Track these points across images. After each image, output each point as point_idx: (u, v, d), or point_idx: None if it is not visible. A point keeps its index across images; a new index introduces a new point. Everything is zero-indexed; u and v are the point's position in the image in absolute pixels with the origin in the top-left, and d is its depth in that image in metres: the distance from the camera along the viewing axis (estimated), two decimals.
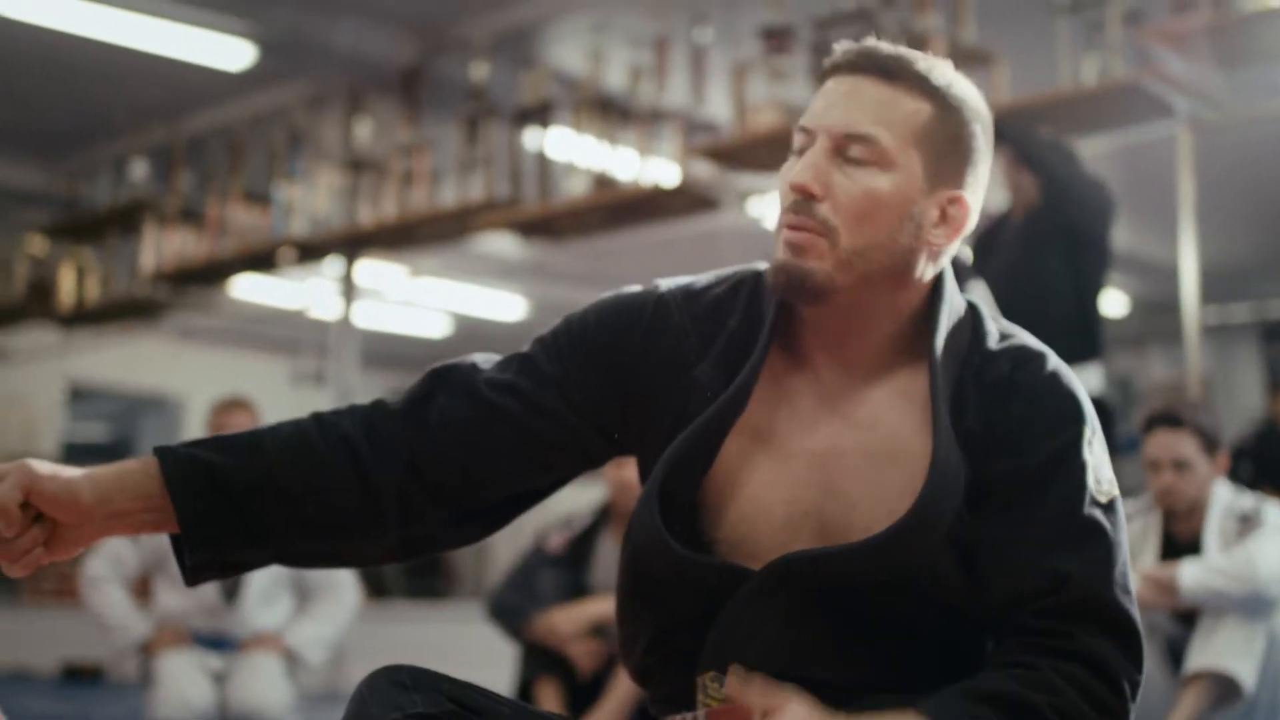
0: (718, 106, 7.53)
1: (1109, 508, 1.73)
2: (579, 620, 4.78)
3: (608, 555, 4.90)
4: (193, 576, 1.82)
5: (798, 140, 1.78)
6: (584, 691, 4.76)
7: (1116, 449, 6.32)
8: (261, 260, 9.56)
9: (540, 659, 4.83)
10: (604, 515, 5.00)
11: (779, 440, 1.79)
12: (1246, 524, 4.33)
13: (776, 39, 6.84)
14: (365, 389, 9.81)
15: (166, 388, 14.22)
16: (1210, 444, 4.44)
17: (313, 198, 9.11)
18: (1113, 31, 6.05)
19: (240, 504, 1.78)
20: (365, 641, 7.62)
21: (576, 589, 4.89)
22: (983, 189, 1.82)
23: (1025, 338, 1.82)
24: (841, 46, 1.80)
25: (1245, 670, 4.11)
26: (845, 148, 1.73)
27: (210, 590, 5.46)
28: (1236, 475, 5.84)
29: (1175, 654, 4.36)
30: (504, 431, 1.83)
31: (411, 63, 8.57)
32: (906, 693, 1.69)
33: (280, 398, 11.77)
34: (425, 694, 1.74)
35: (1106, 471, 1.75)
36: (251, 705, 5.50)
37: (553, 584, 4.90)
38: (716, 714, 1.75)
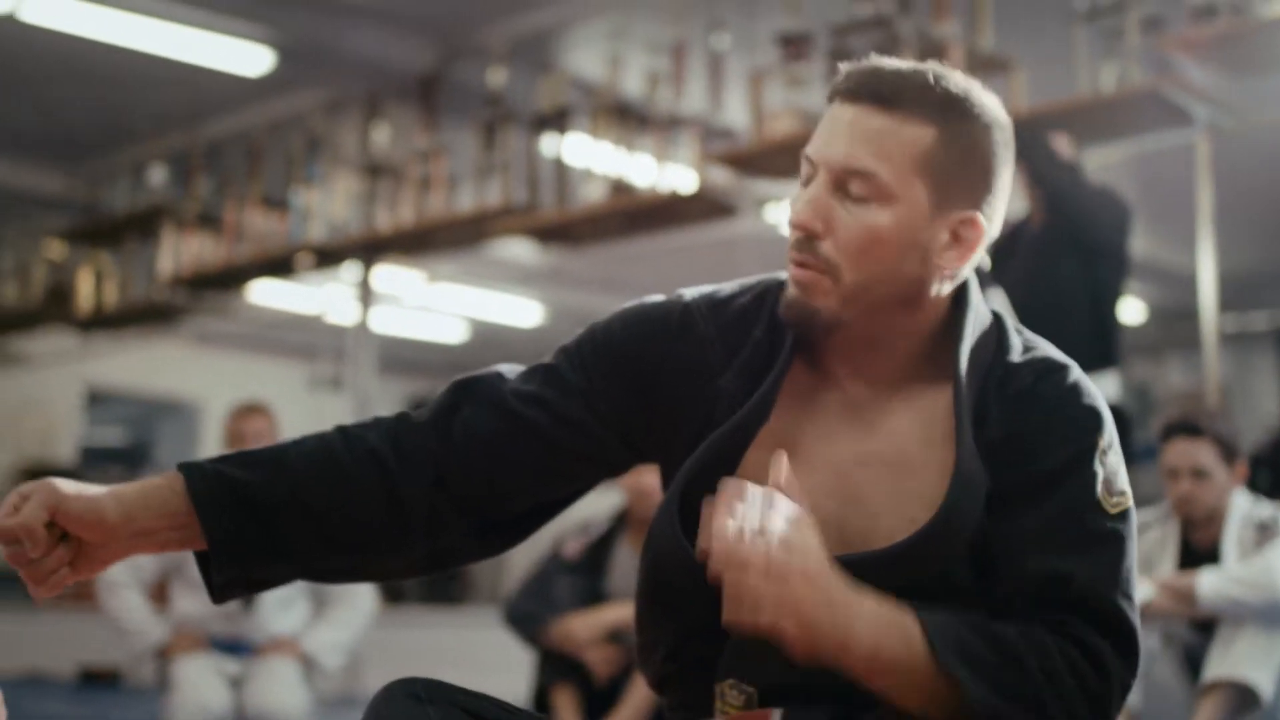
0: (735, 113, 7.53)
1: (1119, 518, 1.72)
2: (595, 626, 4.78)
3: (624, 562, 4.90)
4: (220, 594, 1.81)
5: (803, 169, 1.77)
6: (600, 698, 4.76)
7: (1134, 457, 6.31)
8: (279, 265, 9.58)
9: (557, 665, 4.83)
10: (621, 522, 5.00)
11: (801, 450, 1.78)
12: (1265, 532, 4.33)
13: (794, 46, 6.83)
14: (382, 394, 9.84)
15: (184, 392, 14.25)
16: (1228, 452, 4.43)
17: (330, 203, 9.12)
18: (1131, 39, 6.03)
19: (268, 521, 1.77)
20: (382, 647, 7.62)
21: (593, 595, 4.89)
22: (1004, 200, 1.80)
23: (1049, 349, 1.81)
24: (845, 69, 1.78)
25: (1264, 679, 4.10)
26: (845, 182, 1.71)
27: None
28: (1255, 484, 5.83)
29: (1193, 663, 4.36)
30: (531, 443, 1.83)
31: (429, 69, 8.58)
32: None
33: (297, 403, 11.81)
34: (439, 706, 1.74)
35: (1120, 484, 1.74)
36: (268, 710, 5.51)
37: (569, 590, 4.90)
38: None
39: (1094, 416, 1.75)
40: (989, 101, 1.77)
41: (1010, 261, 5.02)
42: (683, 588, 1.81)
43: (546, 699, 4.87)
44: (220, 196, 9.89)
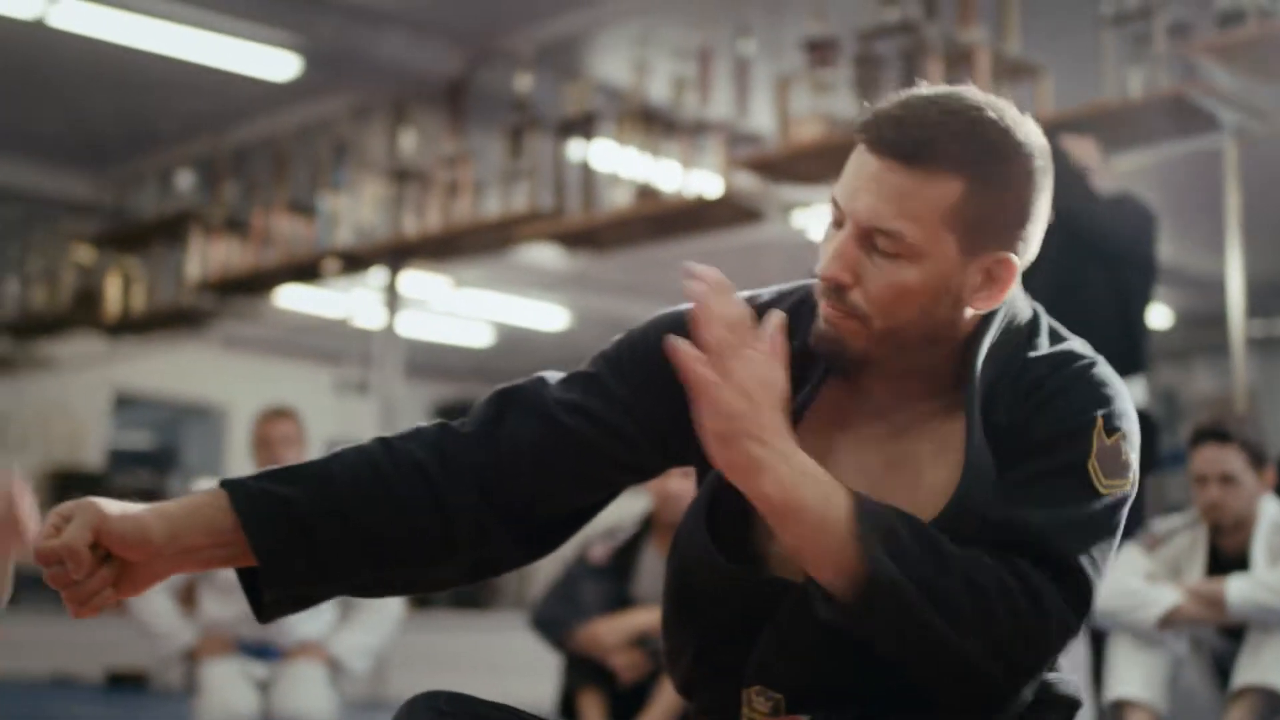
0: (761, 118, 7.53)
1: (1109, 501, 1.69)
2: (622, 631, 4.78)
3: (651, 566, 4.90)
4: (269, 614, 1.79)
5: (832, 210, 1.74)
6: (627, 702, 4.76)
7: (1160, 463, 6.27)
8: (306, 270, 9.60)
9: (583, 670, 4.84)
10: (648, 526, 5.00)
11: (834, 457, 1.78)
12: None
13: (820, 51, 6.83)
14: (409, 399, 9.86)
15: (211, 396, 14.29)
16: (1257, 458, 4.42)
17: (357, 208, 9.14)
18: (1158, 44, 6.01)
19: (317, 540, 1.75)
20: (408, 651, 7.63)
21: (619, 600, 4.89)
22: (1040, 227, 1.77)
23: (1075, 345, 1.80)
24: (871, 111, 1.73)
25: None
26: (871, 238, 1.69)
27: None
28: None
29: (1222, 669, 4.35)
30: (575, 452, 1.82)
31: (456, 74, 8.60)
32: (944, 711, 1.69)
33: (324, 407, 11.84)
34: None
35: (1120, 471, 1.71)
36: (295, 713, 5.52)
37: (596, 595, 4.90)
38: None
39: (1099, 398, 1.73)
40: (1023, 132, 1.72)
41: (1036, 268, 5.01)
42: (710, 593, 1.81)
43: (573, 704, 4.87)
44: (247, 202, 9.92)
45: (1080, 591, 1.65)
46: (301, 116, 9.62)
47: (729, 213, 7.64)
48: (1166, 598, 4.28)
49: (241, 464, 11.18)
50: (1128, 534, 4.52)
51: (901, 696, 1.69)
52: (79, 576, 1.68)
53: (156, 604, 5.54)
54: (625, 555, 4.97)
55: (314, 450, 7.19)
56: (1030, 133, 1.73)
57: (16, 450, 12.74)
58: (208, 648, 5.56)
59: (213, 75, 8.89)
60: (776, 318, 1.72)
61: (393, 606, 5.77)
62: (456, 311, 12.86)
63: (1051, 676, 1.77)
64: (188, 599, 5.76)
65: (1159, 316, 11.39)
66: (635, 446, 1.87)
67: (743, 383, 1.64)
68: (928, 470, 1.75)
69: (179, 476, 14.16)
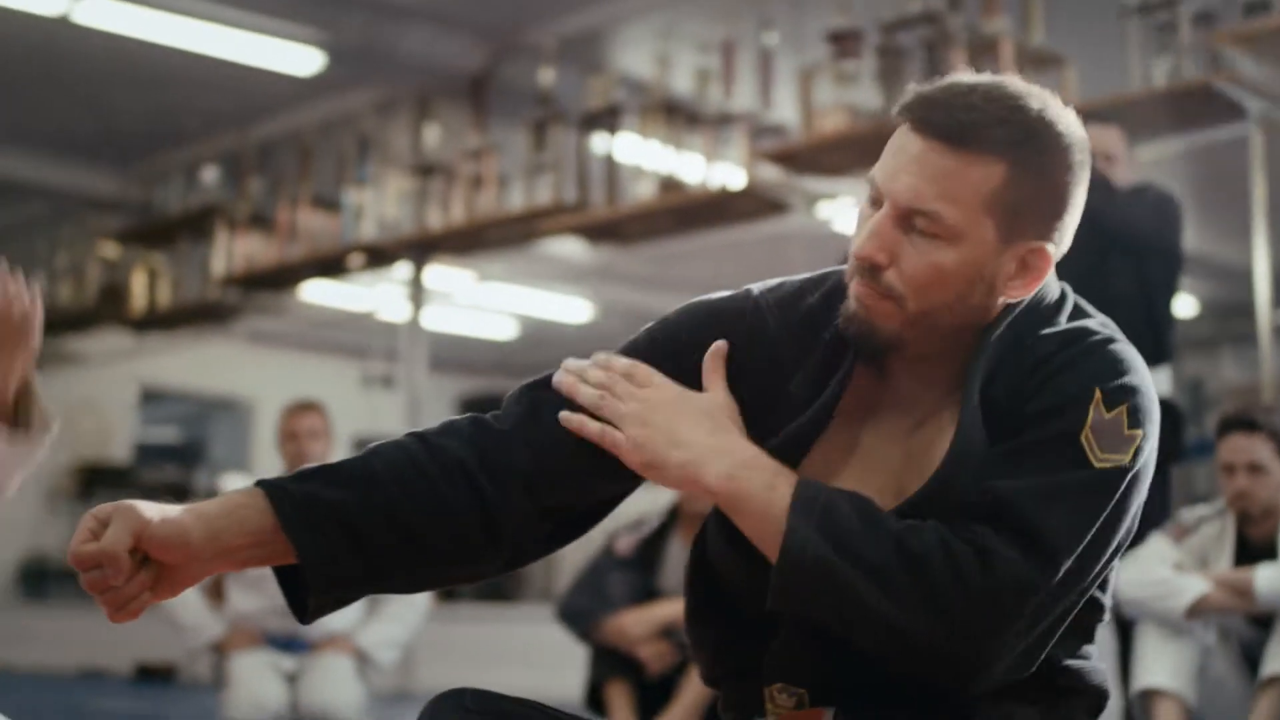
0: (785, 110, 7.52)
1: (1103, 474, 1.65)
2: (649, 622, 4.78)
3: (677, 557, 4.90)
4: (312, 615, 1.79)
5: (870, 189, 1.74)
6: (654, 694, 4.77)
7: (1186, 453, 6.24)
8: (331, 265, 9.63)
9: (610, 661, 4.84)
10: (674, 517, 5.00)
11: (861, 452, 1.79)
12: None
13: (843, 42, 6.82)
14: (434, 392, 9.87)
15: (237, 391, 14.33)
16: None
17: (381, 202, 9.16)
18: (1183, 33, 6.00)
19: (364, 543, 1.73)
20: (435, 643, 7.66)
21: (646, 591, 4.89)
22: (1075, 217, 1.76)
23: (1092, 323, 1.77)
24: (916, 91, 1.72)
25: None
26: (910, 218, 1.68)
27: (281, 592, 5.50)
28: None
29: (1251, 659, 4.34)
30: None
31: (480, 68, 8.61)
32: (967, 700, 1.69)
33: (350, 401, 11.85)
34: (488, 717, 1.75)
35: (1120, 443, 1.66)
36: (323, 705, 5.54)
37: (623, 586, 4.91)
38: None
39: (1102, 372, 1.69)
40: (1065, 123, 1.72)
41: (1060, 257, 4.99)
42: (732, 589, 1.82)
43: (600, 695, 4.88)
44: (272, 197, 9.95)
45: (1041, 558, 1.60)
46: (326, 111, 9.64)
47: (752, 205, 7.64)
48: (1194, 587, 4.28)
49: (268, 458, 11.20)
50: (1155, 525, 4.54)
51: (924, 686, 1.68)
52: (118, 582, 1.67)
53: (185, 597, 5.55)
54: (652, 547, 4.97)
55: (340, 443, 7.21)
56: (1071, 124, 1.73)
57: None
58: (236, 641, 5.58)
59: (237, 71, 8.92)
60: (719, 346, 1.81)
61: (420, 599, 5.78)
62: (481, 305, 12.87)
63: (1080, 665, 1.76)
64: (215, 592, 5.78)
65: (1185, 306, 11.36)
66: None
67: (636, 416, 1.74)
68: (937, 460, 1.73)
69: (206, 471, 14.20)
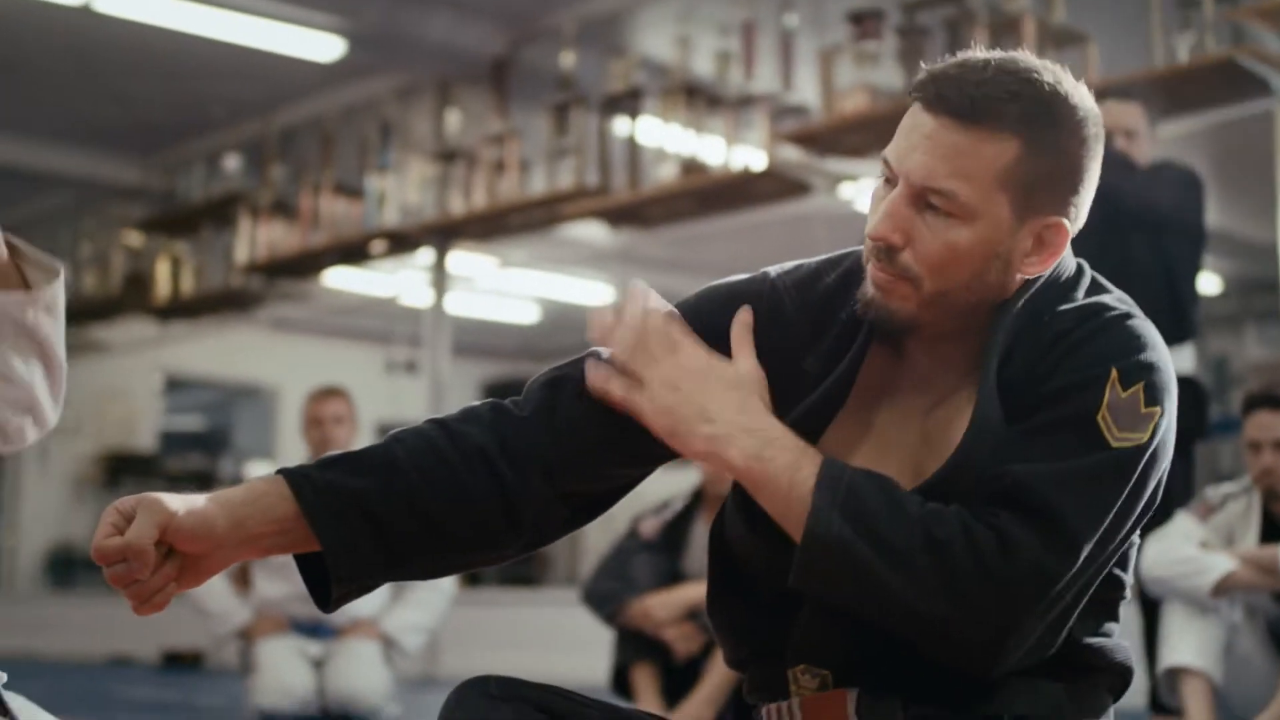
0: (806, 91, 7.51)
1: (1120, 453, 1.64)
2: (674, 605, 4.78)
3: (702, 540, 4.90)
4: (335, 604, 1.78)
5: (883, 168, 1.73)
6: (680, 677, 4.77)
7: (1211, 430, 6.23)
8: (354, 251, 9.65)
9: (636, 644, 4.84)
10: (698, 499, 5.00)
11: (877, 430, 1.78)
12: None
13: (864, 23, 6.81)
14: (457, 377, 9.89)
15: (261, 378, 14.37)
16: None
17: (404, 188, 9.18)
18: (1206, 9, 5.97)
19: (386, 532, 1.73)
20: (460, 628, 7.67)
21: (671, 574, 4.89)
22: (1090, 192, 1.74)
23: (1109, 298, 1.76)
24: (928, 70, 1.71)
25: None
26: (924, 197, 1.67)
27: None
28: None
29: (1277, 636, 4.33)
30: (628, 430, 1.78)
31: (500, 53, 8.61)
32: (991, 680, 1.68)
33: (374, 387, 11.89)
34: (513, 704, 1.74)
35: (1138, 421, 1.65)
36: (349, 691, 5.56)
37: (648, 569, 4.91)
38: (811, 703, 1.76)
39: (1119, 350, 1.68)
40: (1078, 97, 1.70)
41: (1080, 234, 4.97)
42: (753, 571, 1.81)
43: (626, 678, 4.88)
44: (295, 184, 9.97)
45: (1061, 542, 1.60)
46: (348, 98, 9.66)
47: (774, 186, 7.63)
48: (1220, 565, 4.27)
49: (293, 445, 11.24)
50: (1180, 503, 4.53)
51: (947, 667, 1.68)
52: (144, 576, 1.66)
53: (211, 585, 5.58)
54: (676, 529, 4.97)
55: (364, 429, 7.22)
56: (1085, 98, 1.71)
57: (70, 434, 12.85)
58: (262, 627, 5.60)
59: (259, 58, 8.94)
60: (744, 315, 1.80)
61: (445, 584, 5.80)
62: (503, 289, 12.88)
63: (1102, 643, 1.75)
64: (242, 579, 5.81)
65: (1209, 284, 11.31)
66: None
67: (667, 379, 1.72)
68: (955, 440, 1.72)
69: (231, 458, 14.26)
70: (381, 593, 5.78)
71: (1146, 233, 5.02)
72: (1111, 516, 1.64)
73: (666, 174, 7.84)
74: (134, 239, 11.42)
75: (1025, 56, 1.71)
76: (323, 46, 8.73)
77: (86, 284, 11.48)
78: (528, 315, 14.14)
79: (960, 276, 1.69)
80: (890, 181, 1.71)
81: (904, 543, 1.60)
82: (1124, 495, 1.64)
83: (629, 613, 4.83)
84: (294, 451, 10.32)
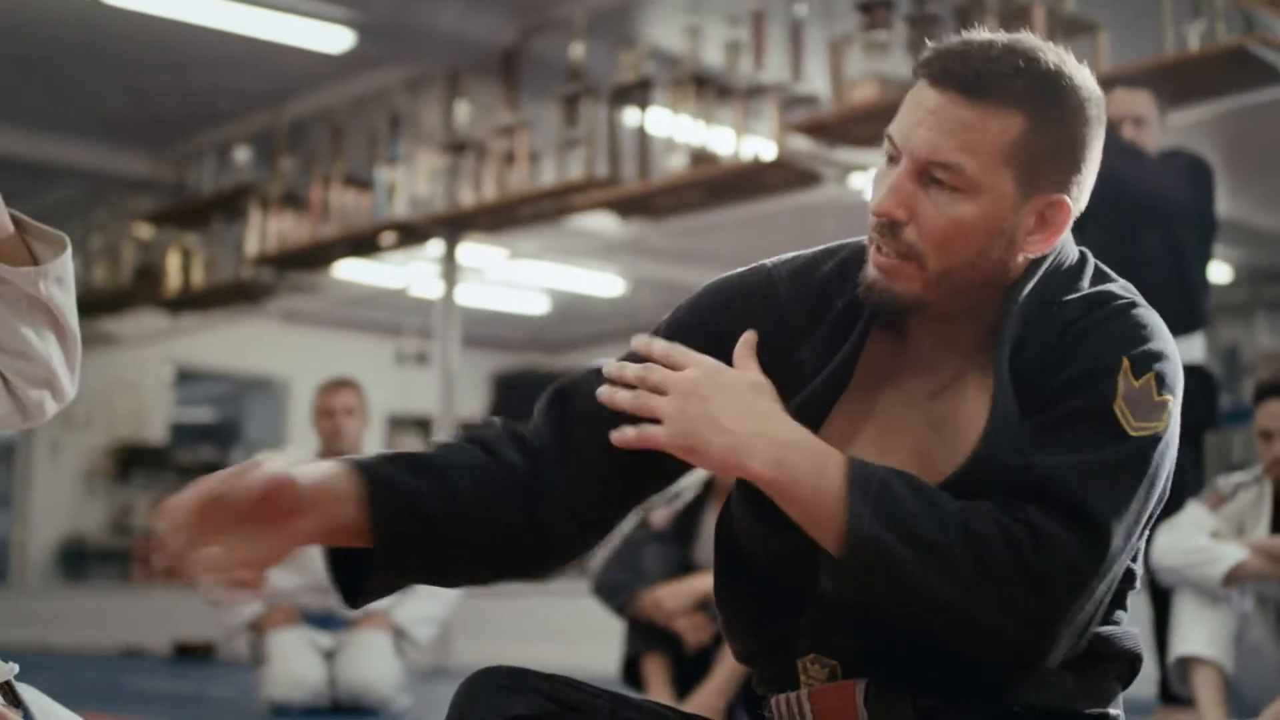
0: (815, 81, 7.49)
1: (1138, 442, 1.64)
2: (685, 595, 4.79)
3: (712, 530, 4.90)
4: (363, 601, 1.80)
5: (887, 146, 1.73)
6: (691, 667, 4.77)
7: (1222, 419, 6.22)
8: (364, 243, 9.65)
9: (646, 635, 4.84)
10: (709, 490, 5.00)
11: (882, 416, 1.78)
12: None
13: (874, 12, 6.80)
14: (467, 368, 9.89)
15: (272, 370, 14.38)
16: None
17: (413, 180, 9.18)
18: None
19: (434, 534, 1.73)
20: (472, 619, 7.68)
21: (682, 564, 4.89)
22: (1093, 173, 1.75)
23: (1115, 287, 1.76)
24: (933, 46, 1.73)
25: None
26: (929, 171, 1.67)
27: (319, 569, 5.52)
28: None
29: None
30: (644, 456, 1.75)
31: (510, 43, 8.61)
32: (999, 670, 1.69)
33: (385, 378, 11.91)
34: (524, 695, 1.74)
35: (1153, 410, 1.66)
36: (361, 682, 5.57)
37: (658, 560, 4.91)
38: (819, 694, 1.76)
39: (1128, 338, 1.68)
40: (1080, 77, 1.71)
41: (1090, 223, 4.96)
42: (760, 562, 1.81)
43: (636, 669, 4.88)
44: (304, 175, 9.97)
45: (1093, 536, 1.60)
46: (357, 89, 9.66)
47: (784, 176, 7.63)
48: (1231, 554, 4.26)
49: (304, 436, 11.25)
50: (1190, 492, 4.52)
51: (956, 658, 1.68)
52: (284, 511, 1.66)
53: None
54: (687, 520, 4.97)
55: (375, 421, 7.21)
56: (1087, 79, 1.72)
57: (81, 426, 12.88)
58: (273, 618, 5.61)
59: (268, 50, 8.94)
60: (749, 336, 1.76)
61: None
62: (513, 280, 12.88)
63: (1112, 631, 1.75)
64: None
65: (1219, 272, 11.29)
66: None
67: (674, 403, 1.67)
68: (966, 428, 1.73)
69: (242, 450, 14.27)
70: None
71: (1156, 221, 5.02)
72: (1134, 506, 1.64)
73: (676, 164, 7.83)
74: (144, 231, 11.43)
75: (1029, 36, 1.72)
76: (332, 38, 8.73)
77: (97, 276, 11.50)
78: (538, 306, 14.14)
79: (964, 253, 1.68)
80: (894, 159, 1.71)
81: (944, 542, 1.58)
82: (1144, 485, 1.64)
83: (639, 603, 4.84)
84: (305, 443, 10.32)
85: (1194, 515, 4.43)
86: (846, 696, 1.73)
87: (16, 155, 10.76)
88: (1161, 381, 1.67)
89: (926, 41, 1.77)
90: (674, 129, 7.92)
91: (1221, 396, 5.38)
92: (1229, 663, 4.28)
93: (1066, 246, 1.78)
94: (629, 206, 8.25)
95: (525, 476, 1.77)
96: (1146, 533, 1.74)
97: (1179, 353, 1.75)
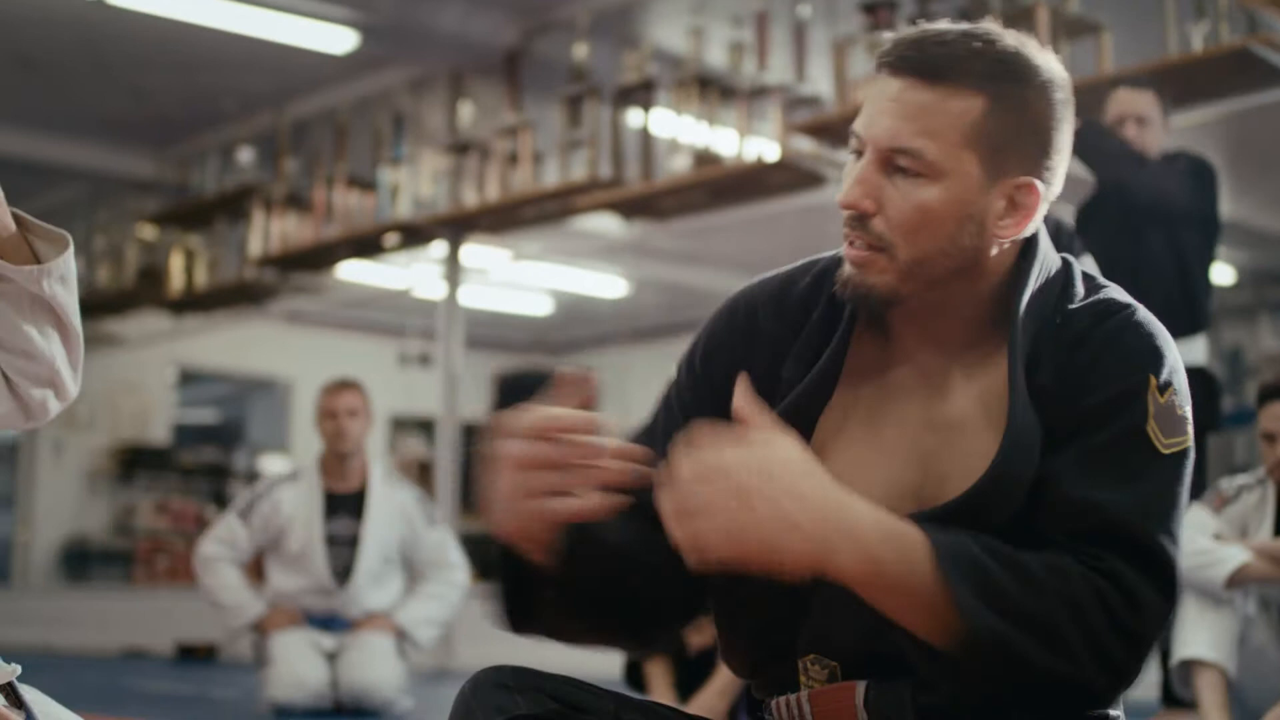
0: (819, 82, 7.50)
1: (1171, 459, 1.66)
2: None
3: None
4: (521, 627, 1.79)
5: (852, 142, 1.73)
6: (693, 669, 4.77)
7: (1225, 421, 6.20)
8: (367, 244, 9.66)
9: None
10: None
11: (873, 420, 1.77)
12: None
13: (877, 13, 6.80)
14: (471, 369, 9.89)
15: (275, 371, 14.39)
16: None
17: (417, 181, 9.18)
18: None
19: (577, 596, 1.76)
20: (475, 621, 7.67)
21: None
22: (1064, 159, 1.74)
23: (1114, 293, 1.75)
24: (890, 38, 1.73)
25: None
26: (892, 159, 1.67)
27: (322, 570, 5.54)
28: None
29: None
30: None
31: (513, 44, 8.61)
32: None
33: (388, 379, 11.91)
34: (527, 695, 1.74)
35: (1178, 425, 1.67)
36: (363, 684, 5.57)
37: None
38: (819, 695, 1.75)
39: (1148, 353, 1.69)
40: (1043, 60, 1.71)
41: (1094, 226, 4.97)
42: (756, 576, 1.81)
43: (639, 671, 4.88)
44: (308, 176, 9.98)
45: (1167, 575, 1.61)
46: (360, 90, 9.66)
47: (788, 177, 7.63)
48: (1234, 557, 4.26)
49: (307, 437, 11.25)
50: (1193, 495, 4.51)
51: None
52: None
53: (226, 577, 5.59)
54: None
55: (379, 422, 7.19)
56: (1051, 63, 1.72)
57: (84, 427, 12.89)
58: (276, 620, 5.61)
59: (272, 50, 8.94)
60: (743, 382, 1.62)
61: (460, 577, 5.81)
62: (516, 282, 12.89)
63: None
64: (256, 572, 5.81)
65: (1223, 274, 11.28)
66: None
67: (725, 501, 1.54)
68: (971, 434, 1.72)
69: (244, 451, 14.30)
70: (395, 587, 5.79)
71: (1160, 224, 5.01)
72: (1179, 524, 1.66)
73: (680, 165, 7.83)
74: (147, 232, 11.44)
75: (989, 24, 1.72)
76: (335, 39, 8.73)
77: (100, 277, 11.51)
78: (541, 307, 14.14)
79: (934, 241, 1.68)
80: (859, 154, 1.71)
81: (1050, 621, 1.55)
82: (1181, 500, 1.66)
83: None
84: (308, 444, 10.33)
85: (1197, 517, 4.42)
86: (846, 697, 1.73)
87: (19, 156, 10.77)
88: (1180, 393, 1.68)
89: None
90: (677, 130, 7.92)
91: (1224, 398, 5.38)
92: (1232, 666, 4.27)
93: (1048, 254, 1.77)
94: (632, 207, 8.25)
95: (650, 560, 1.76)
96: None
97: (1180, 353, 1.75)
